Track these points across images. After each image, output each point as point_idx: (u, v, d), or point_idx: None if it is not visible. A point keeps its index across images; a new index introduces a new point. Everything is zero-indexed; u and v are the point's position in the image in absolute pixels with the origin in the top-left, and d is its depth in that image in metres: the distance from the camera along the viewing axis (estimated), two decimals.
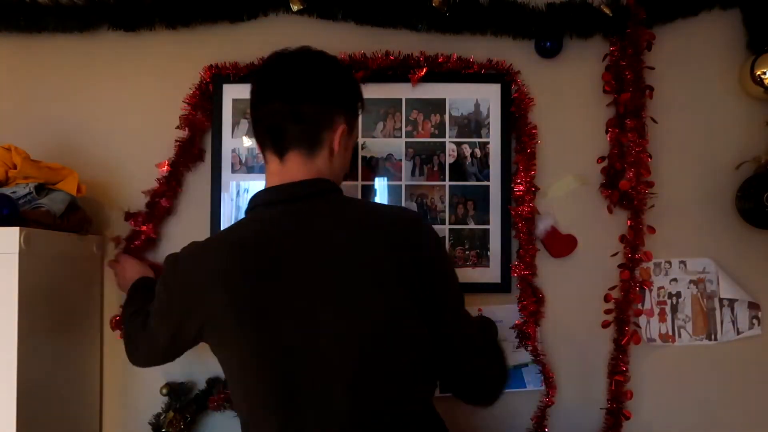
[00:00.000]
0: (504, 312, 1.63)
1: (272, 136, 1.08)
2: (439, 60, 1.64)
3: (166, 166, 1.63)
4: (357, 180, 1.67)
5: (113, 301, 1.68)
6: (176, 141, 1.64)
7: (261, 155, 1.14)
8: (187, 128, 1.64)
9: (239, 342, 1.00)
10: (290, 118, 1.06)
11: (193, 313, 1.05)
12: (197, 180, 1.68)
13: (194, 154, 1.66)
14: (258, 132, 1.12)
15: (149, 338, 1.18)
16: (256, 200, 1.10)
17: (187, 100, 1.64)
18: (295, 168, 1.07)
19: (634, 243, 1.61)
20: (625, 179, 1.61)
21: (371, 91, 1.67)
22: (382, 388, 0.98)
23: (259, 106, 1.11)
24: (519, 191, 1.61)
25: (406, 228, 1.04)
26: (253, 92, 1.13)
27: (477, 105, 1.67)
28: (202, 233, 1.64)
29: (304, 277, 0.98)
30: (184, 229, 1.67)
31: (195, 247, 1.09)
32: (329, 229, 1.02)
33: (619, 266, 1.63)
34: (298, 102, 1.06)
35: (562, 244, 1.64)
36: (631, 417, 1.61)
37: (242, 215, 1.64)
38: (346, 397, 0.96)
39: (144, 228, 1.61)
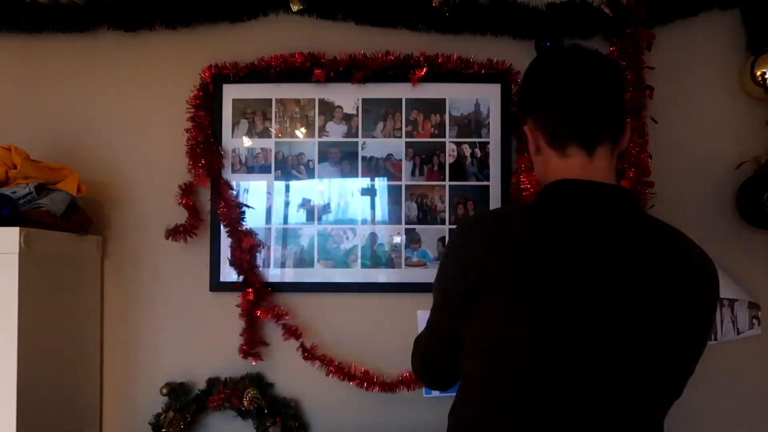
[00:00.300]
0: None
1: (586, 128, 1.02)
2: (439, 60, 1.64)
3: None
4: (357, 180, 1.67)
5: (113, 301, 1.69)
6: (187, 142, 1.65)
7: (549, 151, 1.05)
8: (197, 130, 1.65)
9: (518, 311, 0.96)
10: (605, 108, 1.03)
11: (474, 270, 0.97)
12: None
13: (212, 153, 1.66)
14: (561, 126, 1.03)
15: (432, 335, 1.11)
16: (555, 189, 1.04)
17: (190, 102, 1.65)
18: (602, 165, 1.03)
19: None
20: (625, 179, 1.60)
21: (371, 91, 1.67)
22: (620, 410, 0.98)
23: (567, 98, 1.03)
24: (527, 193, 1.61)
25: (702, 271, 1.02)
26: (551, 86, 1.05)
27: (477, 105, 1.67)
28: (203, 233, 1.65)
29: (591, 281, 0.95)
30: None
31: (484, 215, 1.09)
32: (623, 244, 0.98)
33: None
34: (610, 93, 1.03)
35: None
36: None
37: (242, 215, 1.67)
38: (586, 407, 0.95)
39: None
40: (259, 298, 1.62)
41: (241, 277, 1.63)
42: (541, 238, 0.97)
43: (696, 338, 1.00)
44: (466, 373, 1.05)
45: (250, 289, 1.61)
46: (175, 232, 1.61)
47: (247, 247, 1.63)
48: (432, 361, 1.14)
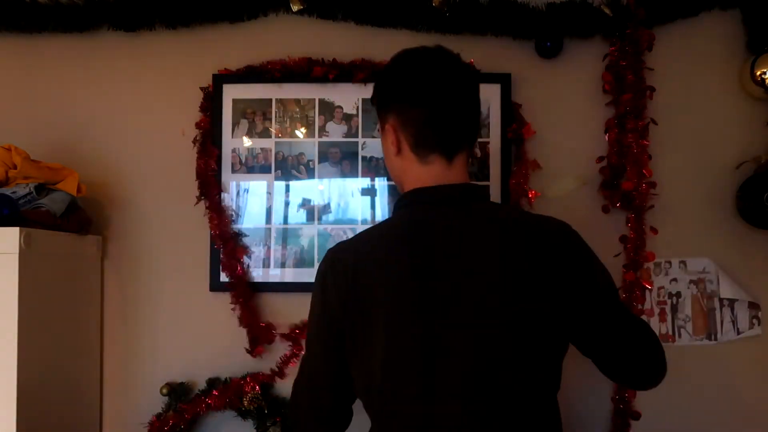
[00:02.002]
0: None
1: (447, 137, 1.04)
2: None
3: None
4: (357, 180, 1.67)
5: (113, 301, 1.69)
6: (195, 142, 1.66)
7: (411, 156, 1.06)
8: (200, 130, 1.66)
9: (388, 332, 0.98)
10: (466, 118, 1.06)
11: (348, 304, 1.00)
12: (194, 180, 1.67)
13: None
14: (424, 134, 1.05)
15: (309, 371, 1.09)
16: (411, 198, 1.06)
17: (201, 108, 1.67)
18: (460, 171, 1.06)
19: (636, 244, 1.61)
20: (627, 179, 1.61)
21: (371, 91, 1.66)
22: (502, 385, 0.98)
23: (428, 107, 1.04)
24: (532, 196, 1.63)
25: (553, 235, 1.02)
26: (410, 92, 1.06)
27: None
28: (202, 234, 1.65)
29: (455, 276, 0.97)
30: (184, 230, 1.67)
31: (348, 242, 1.08)
32: (483, 232, 1.00)
33: (624, 266, 1.63)
34: (467, 101, 1.06)
35: None
36: (641, 417, 1.61)
37: (242, 215, 1.67)
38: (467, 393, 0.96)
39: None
40: (247, 301, 1.63)
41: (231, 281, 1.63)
42: (403, 252, 0.99)
43: (588, 291, 1.01)
44: (364, 402, 1.05)
45: (236, 293, 1.62)
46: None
47: (234, 252, 1.63)
48: (319, 401, 1.09)
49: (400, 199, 1.08)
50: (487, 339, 0.96)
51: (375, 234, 1.07)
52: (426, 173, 1.05)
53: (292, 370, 1.64)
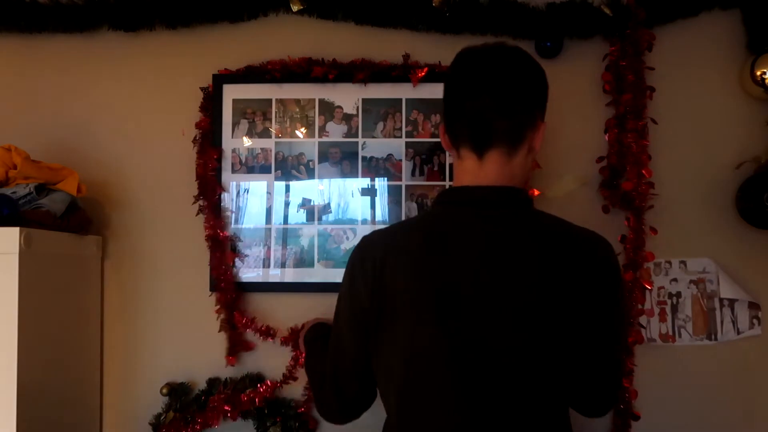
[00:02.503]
0: None
1: (476, 132, 1.03)
2: (440, 59, 1.64)
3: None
4: (357, 180, 1.67)
5: (113, 301, 1.69)
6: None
7: (453, 152, 1.09)
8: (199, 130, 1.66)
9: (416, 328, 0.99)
10: (499, 113, 1.02)
11: (375, 296, 1.01)
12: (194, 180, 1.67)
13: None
14: (457, 128, 1.07)
15: (335, 357, 1.11)
16: (446, 197, 1.08)
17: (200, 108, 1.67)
18: (493, 169, 1.04)
19: (636, 244, 1.61)
20: (627, 180, 1.61)
21: (371, 91, 1.67)
22: (517, 395, 0.99)
23: (464, 100, 1.05)
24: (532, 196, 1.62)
25: (590, 251, 1.01)
26: (454, 87, 1.08)
27: None
28: (202, 235, 1.65)
29: (480, 278, 0.98)
30: (184, 230, 1.67)
31: (379, 234, 1.09)
32: (514, 243, 1.00)
33: (623, 267, 1.63)
34: (508, 97, 1.03)
35: None
36: (641, 418, 1.61)
37: (242, 215, 1.67)
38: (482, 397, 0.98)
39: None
40: (235, 303, 1.63)
41: (215, 282, 1.64)
42: (432, 249, 1.00)
43: (603, 318, 1.01)
44: (383, 394, 1.07)
45: (223, 296, 1.62)
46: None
47: (224, 255, 1.63)
48: (345, 387, 1.12)
49: (439, 195, 1.09)
50: (508, 342, 0.97)
51: (407, 228, 1.09)
52: (461, 168, 1.07)
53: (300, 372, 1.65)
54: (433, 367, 0.98)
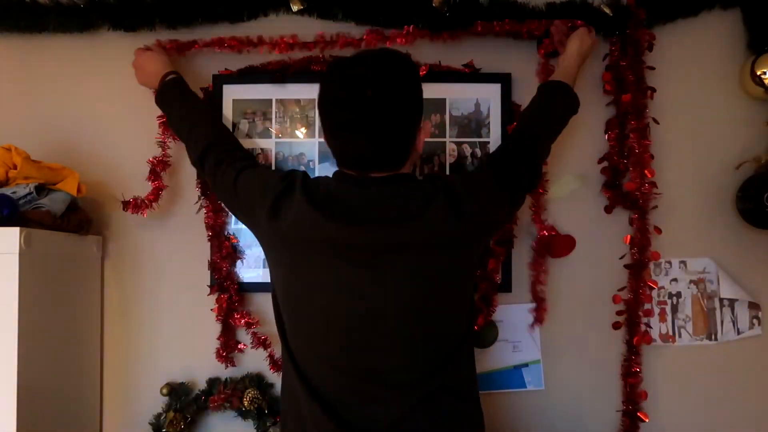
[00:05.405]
0: (504, 312, 1.63)
1: (355, 162, 1.13)
2: (440, 59, 1.64)
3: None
4: None
5: (113, 301, 1.69)
6: None
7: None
8: None
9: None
10: (377, 156, 1.11)
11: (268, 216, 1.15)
12: (195, 180, 1.67)
13: None
14: (333, 140, 1.15)
15: (220, 171, 1.33)
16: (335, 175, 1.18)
17: None
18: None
19: (641, 244, 1.61)
20: (630, 180, 1.61)
21: None
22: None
23: (336, 131, 1.12)
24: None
25: (435, 190, 1.12)
26: (327, 103, 1.11)
27: (477, 105, 1.66)
28: (202, 235, 1.65)
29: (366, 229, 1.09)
30: (184, 230, 1.67)
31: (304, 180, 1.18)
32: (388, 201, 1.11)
33: (628, 267, 1.63)
34: (384, 143, 1.09)
35: (560, 245, 1.63)
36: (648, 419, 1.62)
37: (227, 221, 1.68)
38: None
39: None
40: (234, 304, 1.63)
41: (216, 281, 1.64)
42: (329, 207, 1.11)
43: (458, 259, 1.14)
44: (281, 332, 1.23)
45: (224, 296, 1.62)
46: (134, 207, 1.58)
47: (224, 253, 1.63)
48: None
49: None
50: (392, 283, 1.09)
51: (319, 182, 1.19)
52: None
53: None
54: (316, 306, 1.15)
